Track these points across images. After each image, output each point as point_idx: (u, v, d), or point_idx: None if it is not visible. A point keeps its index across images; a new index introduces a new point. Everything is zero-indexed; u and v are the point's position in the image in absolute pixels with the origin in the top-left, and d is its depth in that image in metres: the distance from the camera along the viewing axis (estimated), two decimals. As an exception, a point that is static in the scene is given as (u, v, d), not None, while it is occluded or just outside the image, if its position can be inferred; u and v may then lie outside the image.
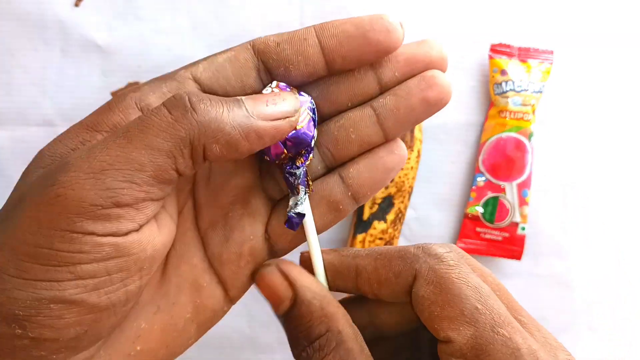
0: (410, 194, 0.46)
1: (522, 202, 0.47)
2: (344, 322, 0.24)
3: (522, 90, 0.47)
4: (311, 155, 0.25)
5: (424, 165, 0.48)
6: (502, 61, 0.47)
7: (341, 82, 0.26)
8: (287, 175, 0.25)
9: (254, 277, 0.26)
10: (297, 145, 0.24)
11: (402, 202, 0.46)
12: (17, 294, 0.20)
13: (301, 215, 0.25)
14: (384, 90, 0.26)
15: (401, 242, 0.47)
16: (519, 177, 0.47)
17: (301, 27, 0.25)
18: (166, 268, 0.26)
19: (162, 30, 0.48)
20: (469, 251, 0.47)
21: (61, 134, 0.23)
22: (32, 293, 0.20)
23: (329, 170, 0.27)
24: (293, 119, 0.23)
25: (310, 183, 0.26)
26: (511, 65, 0.47)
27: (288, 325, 0.24)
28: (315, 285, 0.24)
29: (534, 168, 0.48)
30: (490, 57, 0.47)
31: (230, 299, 0.27)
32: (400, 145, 0.27)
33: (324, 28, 0.24)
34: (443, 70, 0.25)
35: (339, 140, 0.26)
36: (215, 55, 0.25)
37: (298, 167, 0.25)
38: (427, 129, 0.47)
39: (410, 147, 0.45)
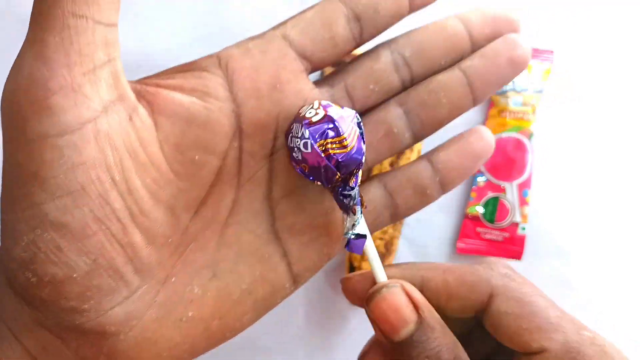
0: (410, 194, 0.46)
1: (523, 202, 0.47)
2: (464, 351, 0.23)
3: (522, 90, 0.47)
4: (360, 172, 0.25)
5: (424, 165, 0.48)
6: (502, 61, 0.47)
7: (435, 36, 0.27)
8: (342, 197, 0.24)
9: (368, 299, 0.24)
10: (349, 166, 0.24)
11: (402, 202, 0.46)
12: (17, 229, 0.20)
13: (362, 236, 0.24)
14: (475, 46, 0.27)
15: (401, 242, 0.47)
16: (520, 177, 0.47)
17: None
18: (226, 234, 0.25)
19: (162, 30, 0.48)
20: (469, 251, 0.47)
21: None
22: (25, 224, 0.20)
23: (416, 139, 0.27)
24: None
25: (364, 200, 0.25)
26: (511, 65, 0.47)
27: (407, 350, 0.23)
28: (434, 311, 0.24)
29: (534, 168, 0.48)
30: (491, 57, 0.47)
31: (294, 277, 0.26)
32: (488, 132, 0.28)
33: None
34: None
35: (429, 105, 0.26)
36: (302, 11, 0.25)
37: (352, 188, 0.24)
38: (427, 129, 0.47)
39: (410, 147, 0.45)
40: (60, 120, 0.20)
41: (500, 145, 0.47)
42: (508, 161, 0.47)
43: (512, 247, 0.47)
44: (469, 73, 0.26)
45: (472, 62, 0.26)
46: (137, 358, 0.23)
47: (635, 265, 0.48)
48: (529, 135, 0.47)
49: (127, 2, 0.48)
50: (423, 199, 0.27)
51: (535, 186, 0.48)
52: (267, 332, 0.48)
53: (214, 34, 0.48)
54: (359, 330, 0.49)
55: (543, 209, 0.48)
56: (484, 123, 0.48)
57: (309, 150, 0.23)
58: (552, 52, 0.48)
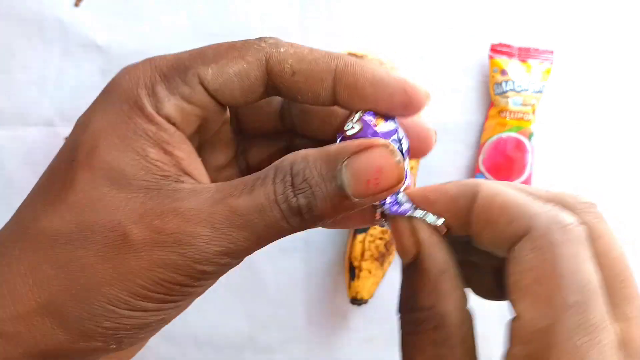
0: (410, 194, 0.46)
1: (522, 202, 0.47)
2: (453, 305, 0.20)
3: (522, 90, 0.47)
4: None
5: (424, 165, 0.48)
6: (502, 61, 0.47)
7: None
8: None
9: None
10: None
11: (402, 202, 0.46)
12: (127, 321, 0.21)
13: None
14: None
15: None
16: (519, 177, 0.47)
17: (301, 28, 0.24)
18: None
19: (162, 30, 0.48)
20: (469, 251, 0.47)
21: (102, 146, 0.22)
22: (141, 320, 0.21)
23: None
24: (394, 189, 0.22)
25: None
26: (511, 65, 0.47)
27: (403, 279, 0.22)
28: (440, 256, 0.21)
29: (534, 168, 0.48)
30: (490, 57, 0.47)
31: None
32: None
33: (345, 75, 0.23)
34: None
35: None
36: (226, 60, 0.24)
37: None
38: (427, 129, 0.47)
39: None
40: None
41: (500, 145, 0.47)
42: (508, 161, 0.47)
43: (512, 247, 0.47)
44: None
45: None
46: None
47: (635, 265, 0.48)
48: (529, 135, 0.47)
49: (127, 2, 0.48)
50: None
51: (535, 186, 0.48)
52: (268, 330, 0.48)
53: (214, 34, 0.48)
54: (359, 330, 0.49)
55: (543, 208, 0.48)
56: (483, 123, 0.48)
57: None
58: (552, 52, 0.48)
